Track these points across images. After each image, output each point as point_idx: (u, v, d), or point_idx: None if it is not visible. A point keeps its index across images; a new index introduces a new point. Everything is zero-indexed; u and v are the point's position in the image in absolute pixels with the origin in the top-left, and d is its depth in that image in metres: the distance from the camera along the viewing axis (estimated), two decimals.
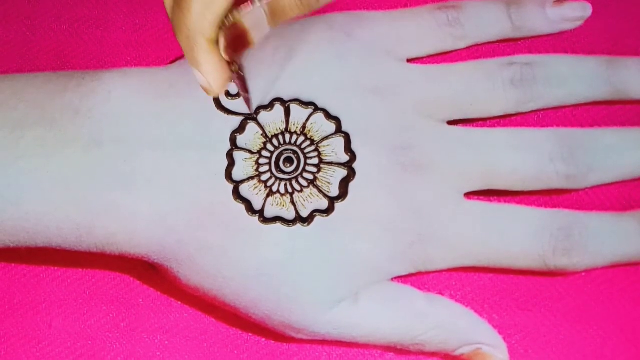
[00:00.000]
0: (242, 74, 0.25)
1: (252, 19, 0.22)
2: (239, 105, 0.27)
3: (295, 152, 0.27)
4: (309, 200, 0.26)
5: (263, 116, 0.27)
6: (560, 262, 0.27)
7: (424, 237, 0.27)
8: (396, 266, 0.27)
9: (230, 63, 0.24)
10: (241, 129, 0.27)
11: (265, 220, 0.26)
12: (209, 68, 0.23)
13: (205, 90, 0.24)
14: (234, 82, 0.25)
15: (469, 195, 0.28)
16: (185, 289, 0.28)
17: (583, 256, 0.27)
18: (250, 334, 0.29)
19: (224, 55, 0.23)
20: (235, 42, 0.23)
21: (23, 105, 0.26)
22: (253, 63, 0.28)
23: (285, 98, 0.27)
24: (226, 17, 0.23)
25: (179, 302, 0.30)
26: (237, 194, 0.26)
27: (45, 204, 0.25)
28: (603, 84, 0.29)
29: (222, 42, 0.23)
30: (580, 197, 0.30)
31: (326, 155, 0.27)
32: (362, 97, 0.28)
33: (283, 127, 0.27)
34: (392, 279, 0.28)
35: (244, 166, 0.27)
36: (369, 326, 0.27)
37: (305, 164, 0.27)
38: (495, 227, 0.27)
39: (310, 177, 0.27)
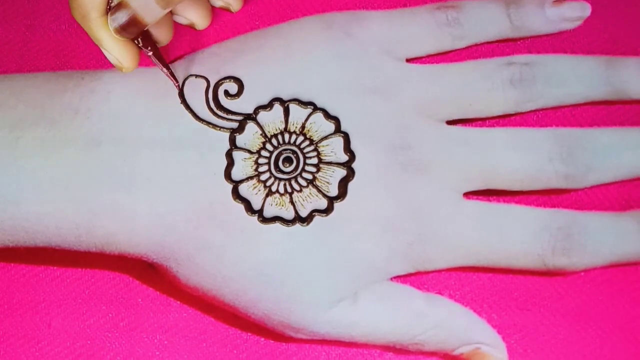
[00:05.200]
0: (152, 48, 0.25)
1: None
2: (238, 105, 0.27)
3: (294, 152, 0.27)
4: (308, 200, 0.26)
5: (262, 116, 0.27)
6: (560, 262, 0.27)
7: (423, 237, 0.27)
8: (395, 266, 0.27)
9: (133, 39, 0.24)
10: (240, 128, 0.27)
11: (265, 220, 0.26)
12: (109, 44, 0.24)
13: (118, 68, 0.25)
14: (148, 57, 0.25)
15: (468, 195, 0.28)
16: (185, 289, 0.28)
17: (582, 256, 0.27)
18: (249, 334, 0.29)
19: (115, 34, 0.23)
20: (128, 23, 0.23)
21: (22, 105, 0.26)
22: (252, 63, 0.28)
23: (284, 98, 0.27)
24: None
25: (178, 302, 0.30)
26: (236, 194, 0.26)
27: (45, 204, 0.25)
28: (602, 83, 0.29)
29: (110, 23, 0.23)
30: (579, 196, 0.30)
31: (325, 155, 0.27)
32: (361, 97, 0.28)
33: (282, 126, 0.27)
34: (391, 279, 0.28)
35: (243, 166, 0.27)
36: (368, 326, 0.27)
37: (305, 163, 0.27)
38: (494, 226, 0.27)
39: (310, 176, 0.27)
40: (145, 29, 0.24)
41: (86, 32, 0.24)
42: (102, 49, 0.24)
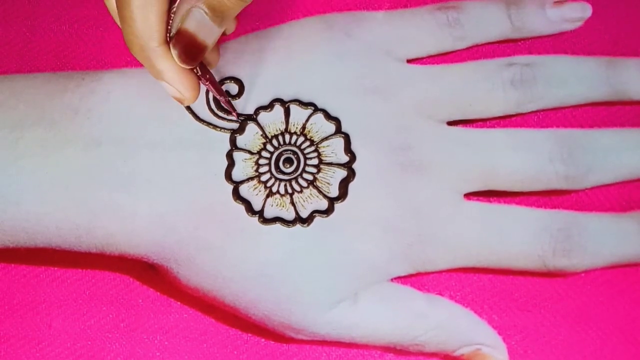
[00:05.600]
0: (209, 77, 0.25)
1: (193, 21, 0.22)
2: (239, 106, 0.27)
3: (295, 153, 0.27)
4: (309, 201, 0.26)
5: (263, 117, 0.27)
6: (560, 263, 0.27)
7: (424, 238, 0.27)
8: (396, 267, 0.27)
9: (192, 68, 0.24)
10: (241, 129, 0.27)
11: (265, 220, 0.26)
12: (171, 75, 0.23)
13: (180, 101, 0.24)
14: (206, 87, 0.25)
15: (469, 195, 0.28)
16: (185, 290, 0.28)
17: (582, 257, 0.27)
18: (249, 335, 0.29)
19: (180, 64, 0.23)
20: (189, 49, 0.23)
21: (23, 105, 0.26)
22: (252, 64, 0.28)
23: (285, 98, 0.27)
24: (168, 29, 0.23)
25: (179, 303, 0.30)
26: (236, 195, 0.26)
27: (45, 204, 0.25)
28: (603, 84, 0.29)
29: (174, 52, 0.23)
30: (580, 197, 0.30)
31: (326, 156, 0.27)
32: (361, 98, 0.28)
33: (283, 127, 0.27)
34: (391, 280, 0.28)
35: (243, 167, 0.27)
36: (368, 326, 0.27)
37: (305, 164, 0.27)
38: (494, 227, 0.27)
39: (310, 177, 0.27)
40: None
41: (145, 66, 0.23)
42: (161, 82, 0.24)
